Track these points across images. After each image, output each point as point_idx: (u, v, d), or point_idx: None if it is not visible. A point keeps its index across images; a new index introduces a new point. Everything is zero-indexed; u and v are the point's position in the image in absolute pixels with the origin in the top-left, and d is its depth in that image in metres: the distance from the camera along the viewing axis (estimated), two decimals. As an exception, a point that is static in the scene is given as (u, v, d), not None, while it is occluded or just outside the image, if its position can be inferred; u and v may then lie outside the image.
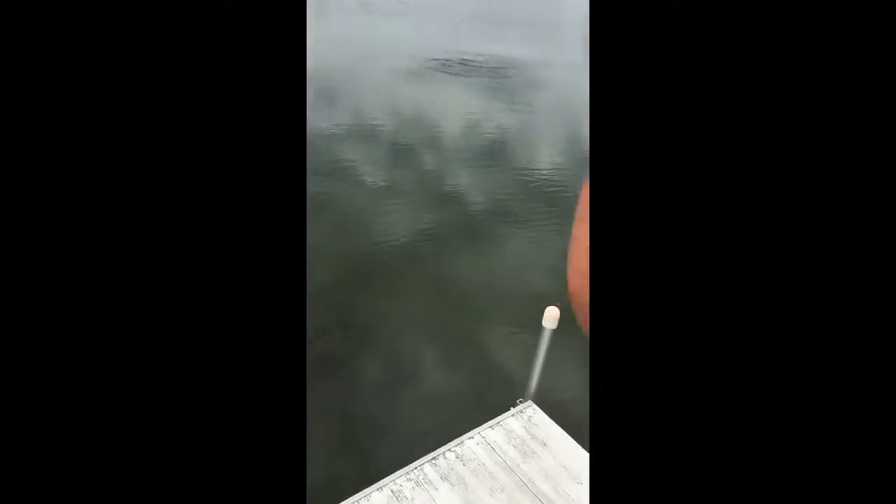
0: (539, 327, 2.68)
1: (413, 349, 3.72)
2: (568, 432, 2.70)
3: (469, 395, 3.40)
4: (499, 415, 2.79)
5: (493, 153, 7.35)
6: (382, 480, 2.41)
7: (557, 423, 2.74)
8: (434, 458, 2.54)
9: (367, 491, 2.38)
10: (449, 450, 2.59)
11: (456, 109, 9.41)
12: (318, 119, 7.76)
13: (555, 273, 4.46)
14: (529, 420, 2.75)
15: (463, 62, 13.23)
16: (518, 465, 2.55)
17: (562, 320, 2.55)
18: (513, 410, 2.80)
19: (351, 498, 2.34)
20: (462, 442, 2.62)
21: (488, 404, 3.02)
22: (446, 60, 13.03)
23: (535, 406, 2.83)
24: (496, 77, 11.87)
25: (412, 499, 2.36)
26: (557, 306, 2.56)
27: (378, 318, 3.96)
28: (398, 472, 2.47)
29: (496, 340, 3.82)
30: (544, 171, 6.84)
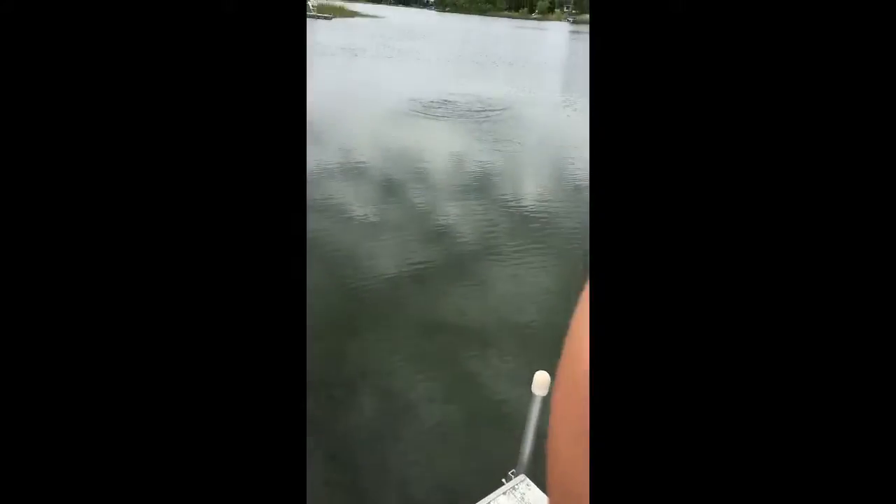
0: (528, 367, 2.53)
1: (406, 387, 3.65)
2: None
3: (466, 436, 3.29)
4: (497, 467, 2.61)
5: (479, 189, 7.55)
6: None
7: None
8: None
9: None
10: None
11: (441, 147, 9.68)
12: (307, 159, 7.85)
13: (541, 309, 4.55)
14: (523, 498, 2.47)
15: (447, 101, 13.64)
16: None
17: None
18: (504, 487, 2.52)
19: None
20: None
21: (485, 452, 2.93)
22: (431, 102, 13.40)
23: (528, 480, 2.55)
24: (479, 116, 12.23)
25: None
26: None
27: (370, 357, 3.92)
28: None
29: (489, 377, 3.79)
30: (528, 206, 7.03)
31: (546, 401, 2.23)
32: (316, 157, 7.92)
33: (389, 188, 7.14)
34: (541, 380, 2.27)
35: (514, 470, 2.52)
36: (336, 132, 9.60)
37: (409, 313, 4.39)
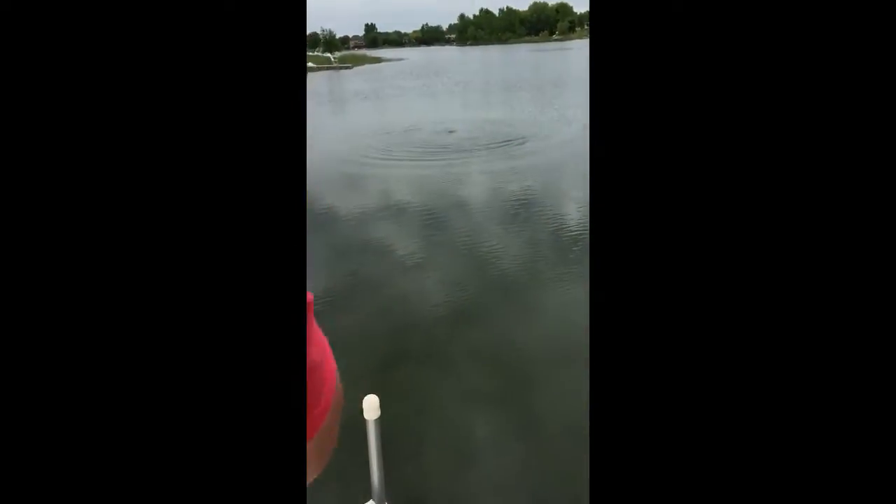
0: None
1: (468, 421, 3.29)
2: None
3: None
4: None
5: (518, 217, 6.95)
6: None
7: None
8: None
9: None
10: None
11: (477, 175, 9.14)
12: (345, 203, 7.64)
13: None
14: None
15: (475, 128, 13.07)
16: None
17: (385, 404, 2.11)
18: None
19: None
20: None
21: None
22: (453, 131, 12.85)
23: None
24: (512, 141, 11.46)
25: None
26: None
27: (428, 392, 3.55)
28: None
29: (549, 402, 3.39)
30: (573, 229, 6.33)
31: (378, 423, 2.15)
32: (353, 201, 7.23)
33: (430, 223, 6.33)
34: (370, 403, 2.20)
35: (371, 501, 2.42)
36: (369, 174, 9.01)
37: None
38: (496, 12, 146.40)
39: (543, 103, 17.77)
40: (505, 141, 11.29)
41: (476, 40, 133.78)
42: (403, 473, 2.81)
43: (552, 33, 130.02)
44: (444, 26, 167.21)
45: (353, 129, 14.34)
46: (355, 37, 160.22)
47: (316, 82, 34.27)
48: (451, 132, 12.68)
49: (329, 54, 62.18)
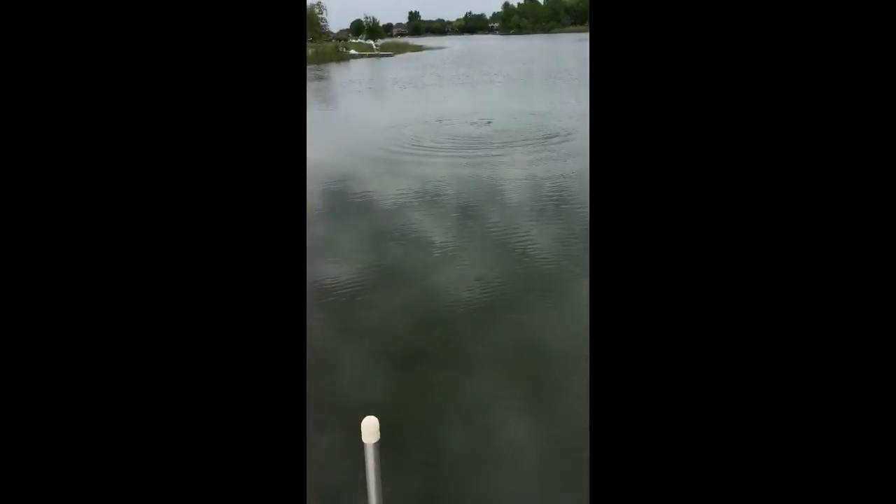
0: None
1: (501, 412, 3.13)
2: None
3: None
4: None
5: (554, 206, 6.83)
6: None
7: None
8: None
9: None
10: None
11: (514, 164, 8.98)
12: (383, 189, 7.57)
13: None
14: None
15: (515, 118, 12.85)
16: None
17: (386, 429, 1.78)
18: None
19: None
20: None
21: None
22: (491, 121, 12.62)
23: None
24: (551, 133, 11.16)
25: None
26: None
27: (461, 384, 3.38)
28: None
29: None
30: None
31: (378, 447, 1.87)
32: (391, 186, 7.18)
33: (466, 212, 6.23)
34: (370, 425, 1.86)
35: None
36: (405, 161, 8.95)
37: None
38: (541, 0, 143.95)
39: (587, 96, 17.23)
40: (547, 136, 10.85)
41: (520, 29, 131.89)
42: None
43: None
44: (488, 14, 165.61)
45: (382, 118, 14.25)
46: (398, 24, 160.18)
47: (356, 69, 34.40)
48: (488, 123, 12.46)
49: (371, 42, 62.35)
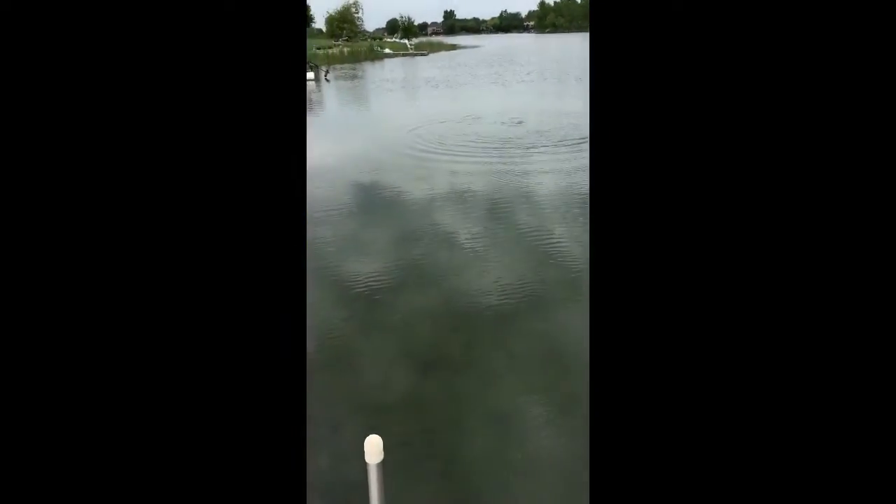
0: None
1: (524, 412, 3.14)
2: None
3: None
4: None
5: (582, 207, 6.76)
6: None
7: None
8: None
9: None
10: None
11: (542, 163, 8.92)
12: (414, 189, 7.60)
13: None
14: None
15: (547, 118, 12.76)
16: None
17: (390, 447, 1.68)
18: None
19: None
20: None
21: None
22: (521, 122, 12.52)
23: None
24: (583, 137, 10.93)
25: None
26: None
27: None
28: None
29: None
30: None
31: (381, 468, 1.77)
32: (421, 186, 7.24)
33: (496, 212, 6.21)
34: (373, 445, 1.75)
35: None
36: (438, 158, 9.01)
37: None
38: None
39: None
40: (582, 139, 10.50)
41: (556, 28, 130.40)
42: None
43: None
44: (524, 13, 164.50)
45: (410, 117, 14.28)
46: (434, 23, 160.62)
47: (389, 68, 34.59)
48: (519, 123, 12.35)
49: (406, 41, 62.65)
